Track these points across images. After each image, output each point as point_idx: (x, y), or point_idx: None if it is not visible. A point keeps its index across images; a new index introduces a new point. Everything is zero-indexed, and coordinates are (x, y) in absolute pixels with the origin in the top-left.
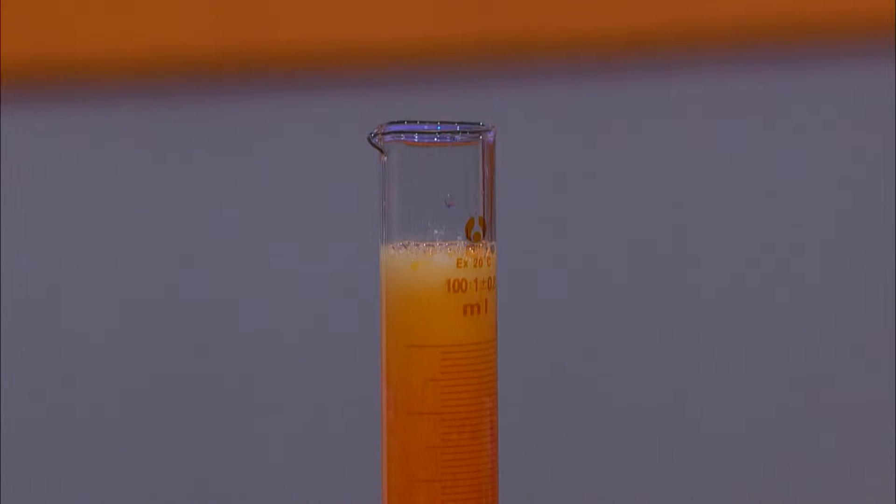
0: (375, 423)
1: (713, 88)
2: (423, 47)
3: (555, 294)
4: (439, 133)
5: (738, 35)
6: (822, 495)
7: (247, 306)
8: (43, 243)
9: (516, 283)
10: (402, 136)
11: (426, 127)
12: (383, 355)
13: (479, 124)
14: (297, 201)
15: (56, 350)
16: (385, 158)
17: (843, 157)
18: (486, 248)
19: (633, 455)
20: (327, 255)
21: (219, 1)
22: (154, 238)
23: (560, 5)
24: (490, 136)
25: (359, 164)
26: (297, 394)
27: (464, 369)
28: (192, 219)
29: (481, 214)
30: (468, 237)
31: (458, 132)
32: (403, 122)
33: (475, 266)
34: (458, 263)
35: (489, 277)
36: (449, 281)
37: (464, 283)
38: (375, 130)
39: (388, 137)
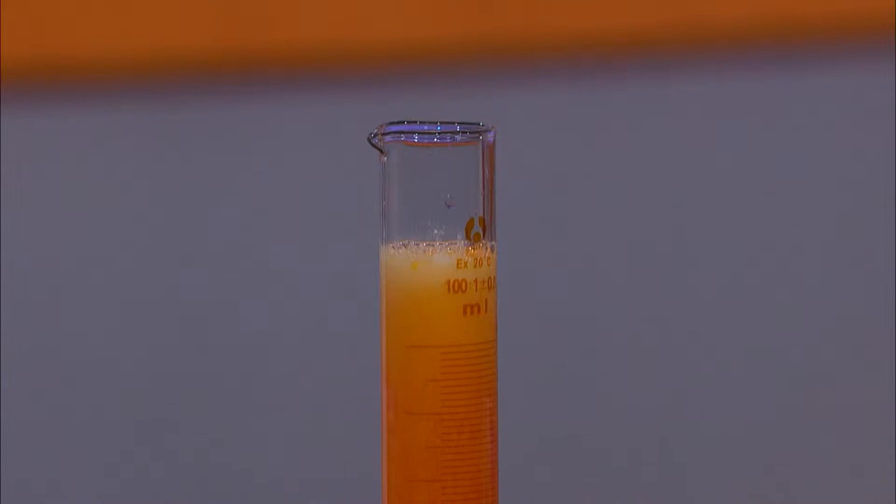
0: (375, 423)
1: (713, 88)
2: (423, 47)
3: (555, 294)
4: (439, 133)
5: (738, 35)
6: (822, 495)
7: (247, 306)
8: (43, 243)
9: (516, 283)
10: (402, 137)
11: (426, 127)
12: (383, 355)
13: (479, 124)
14: (297, 201)
15: (56, 350)
16: (385, 159)
17: (843, 157)
18: (486, 249)
19: (633, 455)
20: (327, 255)
21: (219, 1)
22: (154, 238)
23: (560, 5)
24: (490, 136)
25: (359, 164)
26: (297, 394)
27: (464, 370)
28: (192, 219)
29: (481, 214)
30: (468, 237)
31: (458, 132)
32: (403, 122)
33: (475, 266)
34: (458, 264)
35: (489, 277)
36: (449, 281)
37: (464, 284)
38: (375, 131)
39: (387, 138)
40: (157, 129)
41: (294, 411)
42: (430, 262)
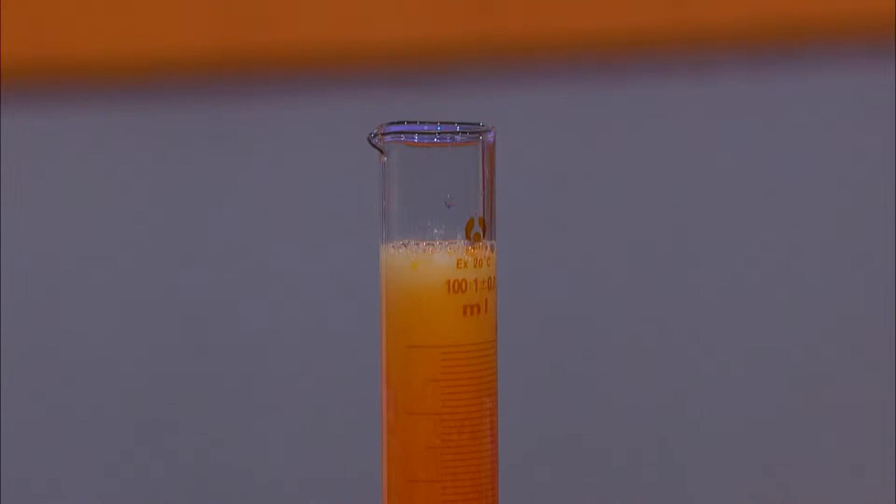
0: (375, 423)
1: (713, 88)
2: (423, 47)
3: (555, 294)
4: (439, 133)
5: (738, 35)
6: (822, 495)
7: (247, 306)
8: (43, 243)
9: (516, 283)
10: (402, 137)
11: (426, 127)
12: (383, 355)
13: (479, 124)
14: (297, 201)
15: (56, 350)
16: (385, 159)
17: (843, 157)
18: (486, 248)
19: (633, 455)
20: (327, 255)
21: (219, 1)
22: (154, 238)
23: (560, 5)
24: (490, 136)
25: (359, 164)
26: (297, 394)
27: (464, 370)
28: (192, 219)
29: (481, 214)
30: (468, 237)
31: (458, 132)
32: (403, 122)
33: (475, 266)
34: (458, 264)
35: (489, 277)
36: (449, 281)
37: (464, 284)
38: (375, 131)
39: (387, 138)
40: (157, 130)
41: (294, 411)
42: (430, 262)
